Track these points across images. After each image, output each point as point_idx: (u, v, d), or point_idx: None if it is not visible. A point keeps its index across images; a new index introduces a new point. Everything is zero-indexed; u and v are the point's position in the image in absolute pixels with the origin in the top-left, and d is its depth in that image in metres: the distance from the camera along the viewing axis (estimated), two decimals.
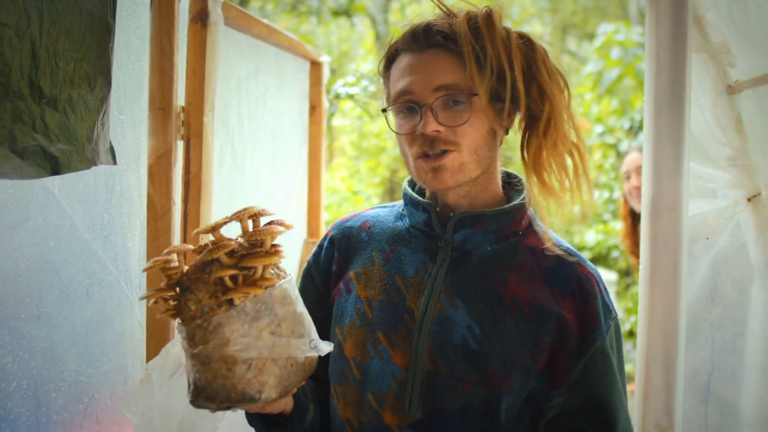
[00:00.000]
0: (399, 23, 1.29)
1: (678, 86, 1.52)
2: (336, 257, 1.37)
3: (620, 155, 6.69)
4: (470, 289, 1.23)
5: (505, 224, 1.26)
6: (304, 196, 2.69)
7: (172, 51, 1.61)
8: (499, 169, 1.31)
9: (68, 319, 1.47)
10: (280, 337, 1.07)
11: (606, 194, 6.92)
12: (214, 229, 1.06)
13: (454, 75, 1.18)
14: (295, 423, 1.28)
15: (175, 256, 1.10)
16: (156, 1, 1.61)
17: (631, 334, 5.28)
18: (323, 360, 1.22)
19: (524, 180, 1.29)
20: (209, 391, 1.06)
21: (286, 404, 1.23)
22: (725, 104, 1.59)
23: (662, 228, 1.54)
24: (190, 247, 1.12)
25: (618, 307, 6.07)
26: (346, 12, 9.14)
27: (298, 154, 2.66)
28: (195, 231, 1.09)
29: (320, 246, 1.42)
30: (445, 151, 1.18)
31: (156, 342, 1.67)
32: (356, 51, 8.77)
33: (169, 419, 1.34)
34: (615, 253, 6.61)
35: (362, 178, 6.80)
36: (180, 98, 1.69)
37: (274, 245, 1.08)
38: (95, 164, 1.23)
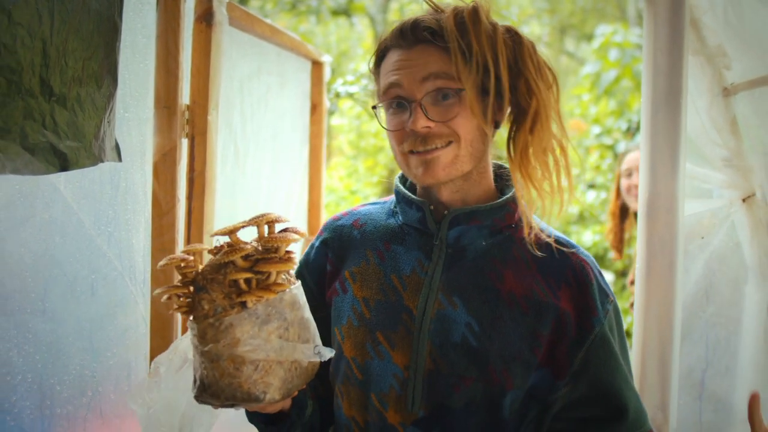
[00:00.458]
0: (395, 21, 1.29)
1: (675, 88, 1.54)
2: (330, 257, 1.36)
3: (618, 156, 6.72)
4: (467, 286, 1.23)
5: (499, 218, 1.26)
6: (305, 195, 2.71)
7: (177, 50, 1.63)
8: (491, 162, 1.30)
9: (73, 314, 1.48)
10: (288, 341, 1.09)
11: (603, 195, 6.94)
12: (232, 232, 1.08)
13: (442, 66, 1.18)
14: (294, 420, 1.29)
15: (191, 255, 1.13)
16: (162, 0, 1.63)
17: (628, 334, 5.29)
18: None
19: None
20: (215, 389, 1.08)
21: (285, 402, 1.24)
22: (721, 106, 1.61)
23: (658, 227, 1.56)
24: (206, 247, 1.15)
25: None
26: (345, 11, 9.15)
27: (299, 152, 2.67)
28: (212, 233, 1.11)
29: (311, 246, 1.42)
30: (437, 147, 1.18)
31: (159, 337, 1.69)
32: (355, 50, 8.77)
33: (172, 412, 1.37)
34: (612, 254, 6.63)
35: (360, 178, 6.80)
36: (185, 97, 1.71)
37: (287, 251, 1.10)
38: (102, 161, 1.24)
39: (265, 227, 1.12)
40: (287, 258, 1.09)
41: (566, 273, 1.23)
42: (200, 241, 1.75)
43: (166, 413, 1.36)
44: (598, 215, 7.03)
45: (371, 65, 1.29)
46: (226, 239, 1.12)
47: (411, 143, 1.19)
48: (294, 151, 2.63)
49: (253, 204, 2.31)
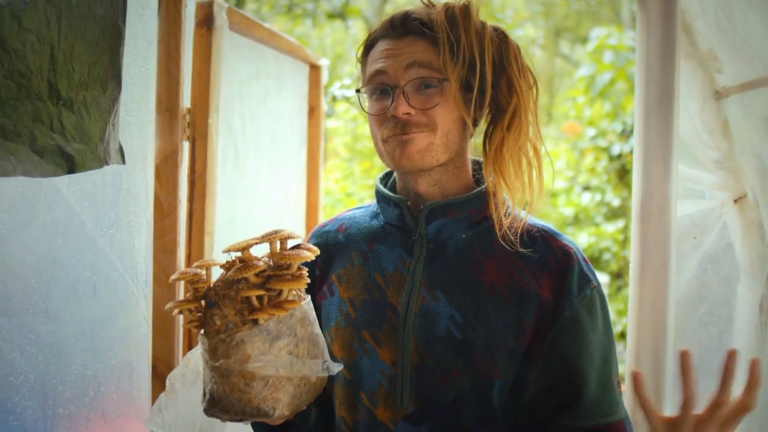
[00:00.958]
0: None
1: (667, 91, 1.56)
2: (318, 262, 1.37)
3: (612, 158, 6.75)
4: (449, 280, 1.24)
5: (476, 209, 1.27)
6: (303, 197, 2.72)
7: (178, 54, 1.65)
8: (470, 158, 1.32)
9: (75, 315, 1.49)
10: (298, 357, 1.10)
11: (598, 197, 6.96)
12: (245, 248, 1.09)
13: (428, 56, 1.20)
14: (299, 427, 1.31)
15: (203, 270, 1.14)
16: (163, 6, 1.65)
17: (623, 335, 5.31)
18: None
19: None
20: (225, 403, 1.09)
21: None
22: (713, 109, 1.63)
23: (651, 228, 1.58)
24: (219, 262, 1.15)
25: (610, 309, 6.11)
26: (340, 15, 9.16)
27: (296, 155, 2.69)
28: (225, 248, 1.11)
29: None
30: (414, 132, 1.20)
31: (161, 337, 1.70)
32: (350, 53, 8.78)
33: (191, 427, 1.37)
34: (607, 256, 6.65)
35: (356, 180, 6.80)
36: (186, 100, 1.73)
37: (299, 268, 1.11)
38: (107, 164, 1.26)
39: (277, 243, 1.13)
40: (299, 275, 1.10)
41: (549, 260, 1.23)
42: (201, 242, 1.77)
43: (185, 429, 1.37)
44: (593, 217, 7.06)
45: (359, 54, 1.31)
46: (236, 254, 1.13)
47: (391, 129, 1.21)
48: (292, 154, 2.65)
49: (252, 205, 2.33)
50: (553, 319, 1.21)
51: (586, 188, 7.21)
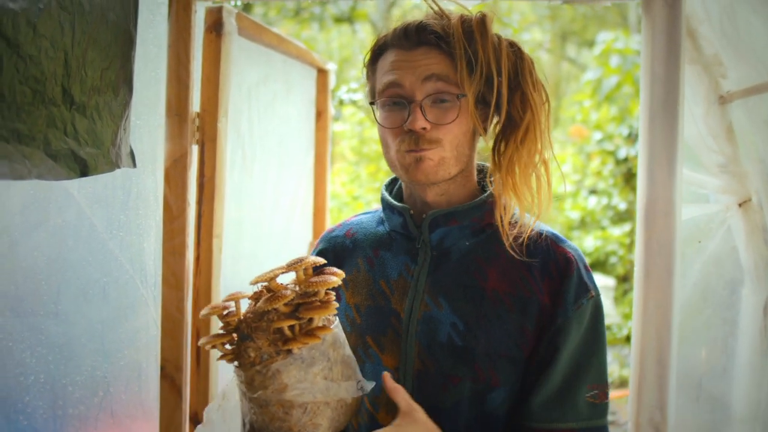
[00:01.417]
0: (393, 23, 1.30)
1: (672, 96, 1.57)
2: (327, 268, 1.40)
3: (618, 162, 6.74)
4: (452, 287, 1.24)
5: (478, 217, 1.28)
6: (310, 200, 2.74)
7: (188, 59, 1.67)
8: (476, 164, 1.33)
9: (85, 316, 1.51)
10: (333, 380, 1.11)
11: (605, 200, 6.96)
12: (271, 279, 1.10)
13: (445, 69, 1.20)
14: None
15: (232, 303, 1.14)
16: (173, 12, 1.67)
17: (628, 339, 5.29)
18: None
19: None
20: None
21: None
22: (717, 114, 1.64)
23: (656, 231, 1.59)
24: (247, 294, 1.15)
25: (615, 312, 6.10)
26: (347, 19, 9.18)
27: (304, 158, 2.70)
28: (253, 280, 1.11)
29: None
30: (425, 148, 1.20)
31: (170, 339, 1.72)
32: (357, 57, 8.79)
33: None
34: (613, 259, 6.65)
35: (362, 183, 6.81)
36: (195, 104, 1.75)
37: (326, 293, 1.12)
38: (118, 167, 1.28)
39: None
40: (327, 300, 1.10)
41: (550, 266, 1.24)
42: (209, 244, 1.78)
43: None
44: (599, 220, 7.05)
45: (366, 60, 1.31)
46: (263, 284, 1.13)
47: (408, 143, 1.21)
48: (299, 157, 2.67)
49: (260, 208, 2.34)
50: (548, 325, 1.22)
51: (593, 192, 7.21)
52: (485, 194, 1.29)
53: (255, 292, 1.15)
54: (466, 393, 1.21)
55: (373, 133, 6.64)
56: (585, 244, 6.76)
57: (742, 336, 1.67)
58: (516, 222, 1.26)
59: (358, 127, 6.78)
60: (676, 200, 1.57)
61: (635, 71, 6.51)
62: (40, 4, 0.99)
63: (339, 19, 8.90)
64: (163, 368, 1.72)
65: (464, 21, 1.21)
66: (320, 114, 2.72)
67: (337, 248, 1.39)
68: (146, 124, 1.65)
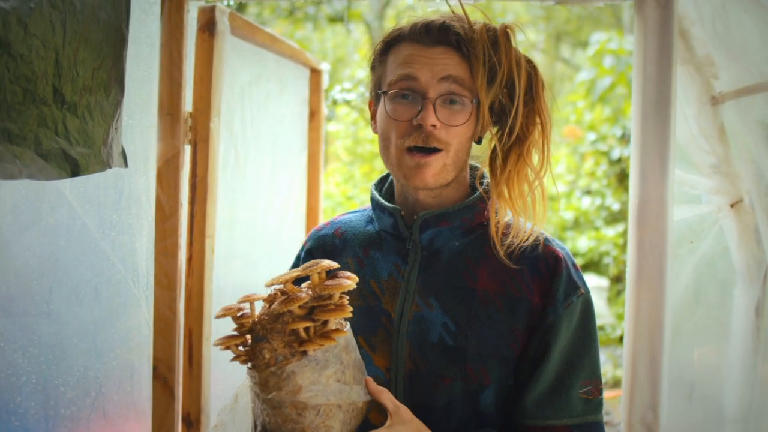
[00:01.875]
0: (401, 18, 1.30)
1: (664, 97, 1.57)
2: None
3: (612, 163, 6.76)
4: (442, 287, 1.25)
5: (469, 218, 1.28)
6: (303, 200, 2.74)
7: (180, 59, 1.67)
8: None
9: (77, 316, 1.51)
10: (345, 383, 1.12)
11: (598, 201, 6.97)
12: (286, 281, 1.10)
13: (462, 72, 1.21)
14: None
15: (246, 305, 1.15)
16: (166, 11, 1.67)
17: (621, 339, 5.29)
18: None
19: (483, 171, 1.32)
20: None
21: None
22: (709, 114, 1.64)
23: (648, 232, 1.59)
24: (262, 296, 1.16)
25: (609, 313, 6.11)
26: (341, 18, 9.17)
27: (297, 158, 2.70)
28: (268, 282, 1.12)
29: (298, 257, 1.44)
30: (435, 149, 1.20)
31: (162, 339, 1.72)
32: (352, 57, 8.80)
33: None
34: (607, 260, 6.66)
35: (356, 184, 6.81)
36: (188, 104, 1.75)
37: (340, 297, 1.12)
38: (110, 167, 1.28)
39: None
40: (341, 304, 1.11)
41: (539, 265, 1.24)
42: (202, 244, 1.78)
43: None
44: (593, 221, 7.06)
45: (376, 51, 1.30)
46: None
47: (413, 139, 1.20)
48: (293, 157, 2.66)
49: (253, 208, 2.34)
50: (539, 324, 1.22)
51: (587, 192, 7.22)
52: (475, 195, 1.29)
53: (269, 295, 1.16)
54: (458, 393, 1.21)
55: (367, 133, 6.64)
56: (579, 245, 6.77)
57: (734, 336, 1.68)
58: (509, 228, 1.27)
59: (353, 127, 6.77)
60: (668, 201, 1.58)
61: (629, 72, 6.51)
62: (31, 4, 0.99)
63: (333, 19, 8.89)
64: (155, 368, 1.72)
65: (489, 29, 1.22)
66: (313, 114, 2.72)
67: (326, 247, 1.39)
68: (138, 123, 1.64)
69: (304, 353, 1.08)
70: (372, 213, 1.38)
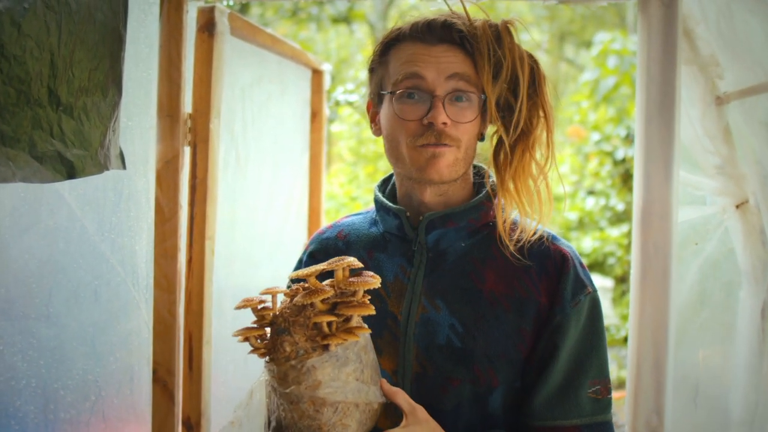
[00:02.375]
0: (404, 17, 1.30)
1: (668, 97, 1.56)
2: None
3: (616, 163, 6.74)
4: (449, 289, 1.25)
5: (475, 218, 1.28)
6: (305, 202, 2.73)
7: (179, 60, 1.66)
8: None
9: (76, 319, 1.50)
10: (363, 383, 1.11)
11: (603, 201, 6.95)
12: (311, 275, 1.10)
13: (467, 69, 1.21)
14: None
15: (268, 297, 1.14)
16: (165, 11, 1.66)
17: (626, 340, 5.28)
18: None
19: (489, 170, 1.32)
20: (293, 430, 1.10)
21: None
22: (714, 115, 1.63)
23: (653, 234, 1.58)
24: (284, 289, 1.15)
25: (614, 313, 6.09)
26: (345, 19, 9.18)
27: (299, 159, 2.70)
28: (293, 275, 1.12)
29: (300, 261, 1.43)
30: (446, 144, 1.20)
31: (162, 342, 1.71)
32: (355, 58, 8.79)
33: None
34: (611, 260, 6.64)
35: (360, 184, 6.81)
36: (187, 105, 1.74)
37: (363, 294, 1.12)
38: (107, 169, 1.27)
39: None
40: (364, 301, 1.10)
41: (546, 264, 1.24)
42: (202, 246, 1.77)
43: None
44: (597, 221, 7.05)
45: (376, 51, 1.30)
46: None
47: (426, 137, 1.20)
48: (294, 158, 2.66)
49: (254, 210, 2.33)
50: (546, 323, 1.22)
51: (591, 192, 7.20)
52: (481, 195, 1.29)
53: (291, 289, 1.15)
54: (466, 395, 1.21)
55: (371, 133, 6.61)
56: (583, 245, 6.75)
57: (740, 339, 1.66)
58: (515, 225, 1.27)
59: (356, 128, 6.77)
60: (672, 202, 1.57)
61: (633, 72, 6.50)
62: (25, 4, 0.98)
63: (336, 20, 8.90)
64: (155, 372, 1.71)
65: (491, 25, 1.22)
66: (315, 115, 2.71)
67: (329, 250, 1.38)
68: (138, 125, 1.64)
69: (326, 347, 1.08)
70: (376, 215, 1.37)
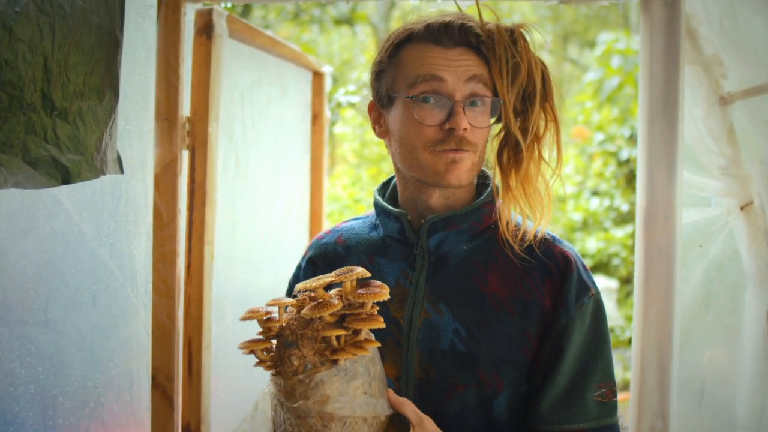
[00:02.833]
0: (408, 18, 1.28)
1: (671, 97, 1.55)
2: (316, 274, 1.34)
3: (621, 163, 6.72)
4: (452, 293, 1.23)
5: (477, 220, 1.27)
6: (306, 204, 2.72)
7: (177, 63, 1.65)
8: None
9: (75, 325, 1.49)
10: (371, 396, 1.09)
11: (607, 202, 6.94)
12: (319, 287, 1.08)
13: (483, 72, 1.20)
14: None
15: (275, 308, 1.11)
16: (162, 14, 1.65)
17: (631, 341, 5.26)
18: None
19: (489, 173, 1.31)
20: None
21: None
22: (718, 115, 1.61)
23: (656, 236, 1.57)
24: (290, 301, 1.12)
25: (618, 314, 6.07)
26: (347, 20, 9.17)
27: (300, 162, 2.69)
28: (300, 286, 1.09)
29: (299, 267, 1.42)
30: (465, 150, 1.19)
31: (161, 347, 1.70)
32: (358, 59, 8.79)
33: None
34: (616, 261, 6.62)
35: (364, 186, 6.80)
36: (185, 109, 1.73)
37: (372, 306, 1.09)
38: (103, 174, 1.26)
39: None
40: (374, 313, 1.08)
41: (549, 266, 1.23)
42: (201, 251, 1.76)
43: None
44: (602, 222, 7.03)
45: (385, 52, 1.26)
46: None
47: (447, 142, 1.18)
48: (295, 160, 2.65)
49: (254, 213, 2.32)
50: (550, 326, 1.21)
51: (595, 193, 7.18)
52: (483, 197, 1.28)
53: (297, 300, 1.12)
54: (471, 400, 1.20)
55: (374, 135, 6.61)
56: (587, 246, 6.74)
57: (745, 341, 1.65)
58: (518, 228, 1.26)
59: (360, 130, 6.77)
60: (676, 204, 1.56)
61: (637, 72, 6.47)
62: (16, 8, 0.97)
63: (339, 21, 8.89)
64: (154, 378, 1.70)
65: (506, 29, 1.21)
66: (316, 117, 2.70)
67: (328, 255, 1.37)
68: (136, 129, 1.63)
69: (335, 362, 1.05)
70: (376, 219, 1.36)
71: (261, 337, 1.10)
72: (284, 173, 2.54)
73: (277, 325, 1.10)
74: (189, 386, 1.75)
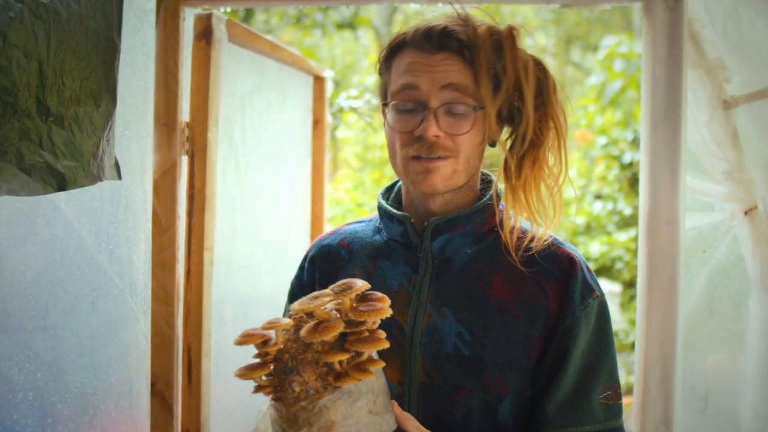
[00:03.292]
0: (408, 23, 1.27)
1: (674, 101, 1.54)
2: (318, 277, 1.36)
3: (624, 167, 6.71)
4: (456, 296, 1.22)
5: (480, 222, 1.26)
6: (308, 209, 2.71)
7: (176, 68, 1.64)
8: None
9: (74, 331, 1.48)
10: (376, 414, 1.05)
11: (610, 205, 6.92)
12: (317, 307, 1.03)
13: (464, 79, 1.18)
14: None
15: (272, 332, 1.05)
16: (161, 19, 1.65)
17: (635, 346, 5.25)
18: None
19: (492, 176, 1.30)
20: None
21: None
22: (721, 119, 1.60)
23: (659, 241, 1.56)
24: (288, 323, 1.06)
25: (622, 318, 6.06)
26: (350, 25, 9.18)
27: (301, 167, 2.68)
28: (298, 308, 1.04)
29: (301, 267, 1.41)
30: (440, 157, 1.18)
31: (160, 354, 1.69)
32: (360, 63, 8.80)
33: None
34: (619, 265, 6.60)
35: (366, 190, 6.80)
36: (184, 114, 1.73)
37: (373, 322, 1.05)
38: (100, 180, 1.25)
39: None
40: (376, 331, 1.04)
41: (554, 269, 1.22)
42: (200, 257, 1.75)
43: None
44: (605, 226, 7.01)
45: (381, 57, 1.27)
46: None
47: (416, 149, 1.18)
48: (296, 165, 2.64)
49: (254, 218, 2.32)
50: (556, 329, 1.20)
51: (598, 197, 7.17)
52: (485, 198, 1.27)
53: (295, 318, 1.08)
54: (475, 404, 1.19)
55: (377, 139, 6.64)
56: (590, 250, 6.72)
57: (750, 347, 1.64)
58: (523, 233, 1.25)
59: (362, 134, 6.77)
60: (679, 209, 1.55)
61: (639, 75, 6.46)
62: (11, 13, 0.96)
63: (341, 26, 8.90)
64: (153, 385, 1.69)
65: (493, 33, 1.18)
66: (317, 121, 2.69)
67: (331, 257, 1.36)
68: (135, 134, 1.62)
69: (338, 386, 1.01)
70: (379, 222, 1.35)
71: (258, 360, 1.06)
72: (285, 178, 2.53)
73: (275, 349, 1.05)
74: (188, 393, 1.74)
